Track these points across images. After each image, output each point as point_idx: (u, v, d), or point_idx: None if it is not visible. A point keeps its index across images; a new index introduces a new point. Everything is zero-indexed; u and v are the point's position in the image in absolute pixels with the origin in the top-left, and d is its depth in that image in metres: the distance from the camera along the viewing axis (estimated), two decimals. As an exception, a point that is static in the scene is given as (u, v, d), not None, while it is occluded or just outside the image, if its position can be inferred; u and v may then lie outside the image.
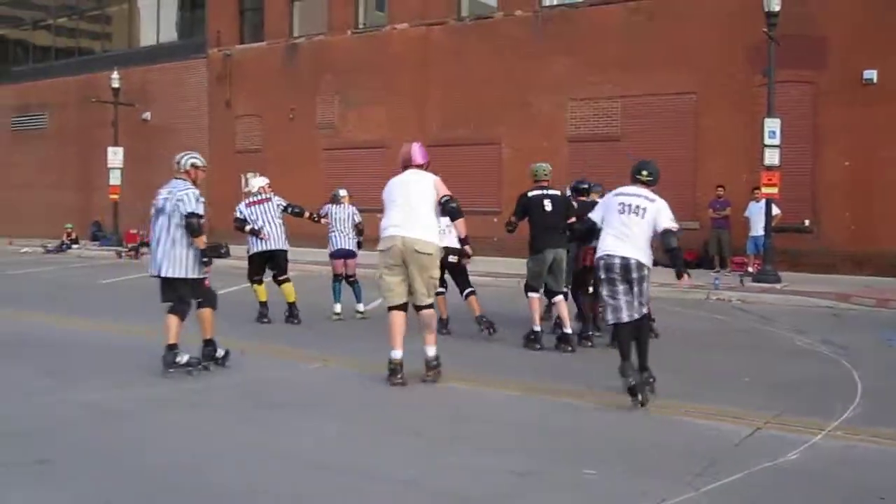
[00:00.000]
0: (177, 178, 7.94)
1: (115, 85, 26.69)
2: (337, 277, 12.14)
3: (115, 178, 26.45)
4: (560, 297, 9.47)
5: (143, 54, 30.29)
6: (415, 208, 7.61)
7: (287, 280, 11.60)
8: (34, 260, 23.41)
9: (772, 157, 15.65)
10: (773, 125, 15.61)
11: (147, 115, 29.34)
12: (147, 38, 31.07)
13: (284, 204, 11.66)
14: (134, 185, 27.40)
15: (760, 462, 5.26)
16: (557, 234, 9.34)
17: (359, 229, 12.32)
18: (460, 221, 7.82)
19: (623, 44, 19.82)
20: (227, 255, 17.54)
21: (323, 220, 12.19)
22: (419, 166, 8.07)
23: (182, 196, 7.69)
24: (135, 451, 5.55)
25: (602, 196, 9.76)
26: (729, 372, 8.34)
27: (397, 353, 7.43)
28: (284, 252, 11.62)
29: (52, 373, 7.98)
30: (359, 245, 12.35)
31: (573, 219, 9.34)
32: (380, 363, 7.98)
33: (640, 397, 6.65)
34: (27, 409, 6.63)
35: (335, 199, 12.31)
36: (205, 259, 7.82)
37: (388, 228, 7.63)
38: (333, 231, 12.12)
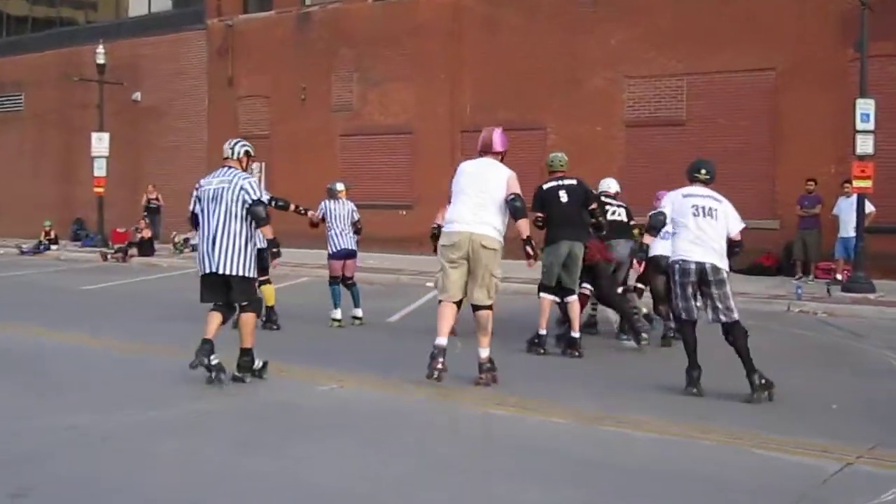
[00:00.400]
0: (227, 167, 8.49)
1: (101, 60, 27.02)
2: (335, 280, 12.33)
3: (99, 169, 26.76)
4: (574, 298, 10.23)
5: (133, 25, 30.67)
6: (485, 206, 8.38)
7: (268, 281, 11.88)
8: (7, 262, 23.77)
9: (865, 145, 15.53)
10: (866, 107, 15.49)
11: (137, 95, 29.69)
12: (137, 6, 31.47)
13: (268, 197, 11.69)
14: (122, 177, 27.82)
15: (851, 503, 5.24)
16: (575, 226, 10.17)
17: (356, 228, 12.50)
18: (523, 221, 8.38)
19: (689, 12, 19.77)
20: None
21: (310, 214, 12.51)
22: (497, 154, 8.90)
23: (244, 184, 8.25)
24: (126, 483, 5.65)
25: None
26: (813, 397, 8.30)
27: (442, 340, 8.23)
28: (263, 250, 11.84)
29: (36, 391, 8.14)
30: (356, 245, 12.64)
31: (594, 205, 10.44)
32: (402, 383, 8.13)
33: (695, 390, 8.01)
34: (6, 432, 6.77)
35: (332, 194, 12.47)
36: (274, 249, 8.55)
37: (455, 223, 8.42)
38: (331, 230, 12.31)
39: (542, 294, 10.25)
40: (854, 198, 16.07)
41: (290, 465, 5.97)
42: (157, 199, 26.23)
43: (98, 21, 32.41)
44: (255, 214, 8.16)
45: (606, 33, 20.81)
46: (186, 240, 24.97)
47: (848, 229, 16.43)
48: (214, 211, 8.20)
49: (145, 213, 25.38)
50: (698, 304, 8.07)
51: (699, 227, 7.99)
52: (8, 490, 5.42)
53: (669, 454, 6.34)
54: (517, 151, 21.73)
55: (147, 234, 24.35)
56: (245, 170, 8.50)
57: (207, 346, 8.04)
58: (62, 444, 6.45)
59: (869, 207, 16.00)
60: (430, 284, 16.88)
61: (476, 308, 8.40)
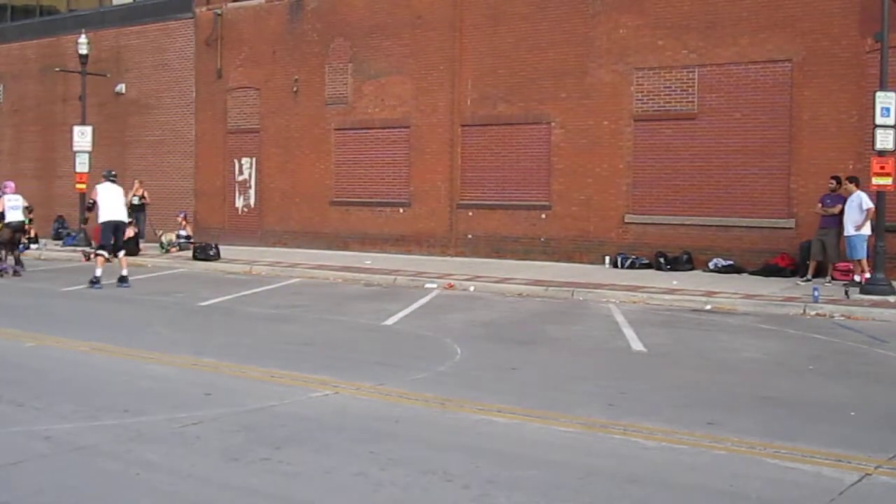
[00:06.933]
0: None
1: (84, 51, 26.99)
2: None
3: (82, 164, 26.73)
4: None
5: (117, 14, 30.64)
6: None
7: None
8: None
9: (884, 140, 15.51)
10: (886, 100, 15.48)
11: (121, 87, 29.68)
12: (121, -6, 31.46)
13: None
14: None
15: (869, 516, 5.24)
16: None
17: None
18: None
19: (701, 0, 19.77)
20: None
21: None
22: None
23: None
24: (109, 497, 5.64)
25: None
26: (830, 404, 8.30)
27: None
28: None
29: (13, 399, 8.12)
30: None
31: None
32: (398, 390, 8.15)
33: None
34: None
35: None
36: None
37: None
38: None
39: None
40: (855, 195, 16.17)
41: (283, 481, 5.96)
42: (142, 196, 26.24)
43: (80, 9, 32.36)
44: None
45: (614, 22, 20.78)
46: (177, 237, 24.99)
47: (848, 228, 16.47)
48: None
49: (130, 211, 25.33)
50: None
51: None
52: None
53: (681, 465, 6.32)
54: (519, 146, 21.93)
55: (131, 232, 24.30)
56: None
57: None
58: (42, 456, 6.44)
59: (866, 203, 16.01)
60: (431, 286, 16.91)
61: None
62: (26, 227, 21.21)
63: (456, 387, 8.63)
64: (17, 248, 20.61)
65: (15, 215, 20.01)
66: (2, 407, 7.87)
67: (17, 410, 7.75)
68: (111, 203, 17.93)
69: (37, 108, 32.17)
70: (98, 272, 17.26)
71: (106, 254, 17.84)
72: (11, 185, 20.65)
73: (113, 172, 18.88)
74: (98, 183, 18.87)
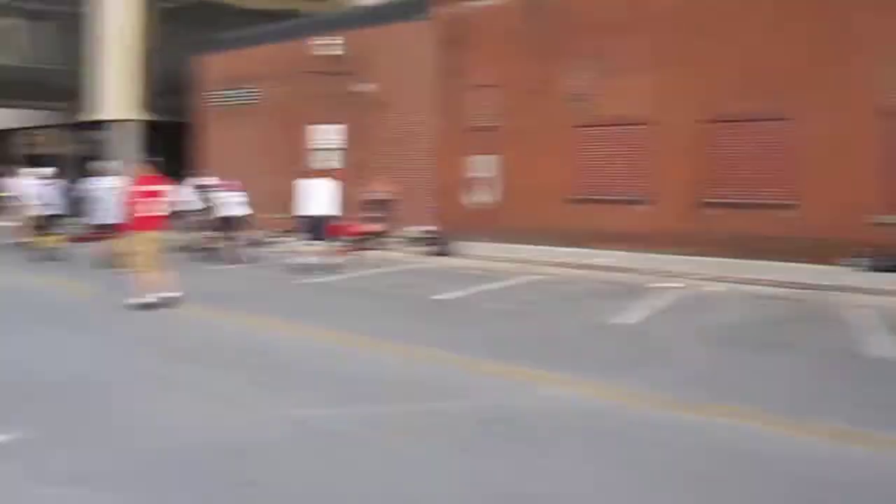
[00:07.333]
0: None
1: (328, 52, 28.07)
2: None
3: (326, 161, 27.82)
4: None
5: (358, 16, 31.79)
6: None
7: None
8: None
9: None
10: None
11: (363, 86, 30.69)
12: (363, -3, 32.66)
13: None
14: (350, 169, 28.85)
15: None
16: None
17: None
18: None
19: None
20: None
21: None
22: None
23: None
24: (350, 481, 5.91)
25: None
26: None
27: None
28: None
29: (263, 384, 8.66)
30: None
31: None
32: (635, 390, 8.17)
33: None
34: (239, 423, 7.32)
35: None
36: None
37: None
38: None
39: None
40: None
41: (521, 476, 6.09)
42: (386, 191, 27.04)
43: (323, 12, 33.72)
44: None
45: (864, 14, 19.73)
46: (417, 232, 25.58)
47: None
48: None
49: (370, 206, 26.15)
50: None
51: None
52: (243, 477, 5.91)
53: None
54: (761, 142, 21.22)
55: (376, 227, 25.07)
56: None
57: None
58: (289, 438, 6.84)
59: None
60: (670, 285, 16.63)
61: None
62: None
63: (697, 388, 8.48)
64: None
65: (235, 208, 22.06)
66: (252, 390, 8.36)
67: (267, 395, 8.28)
68: (315, 197, 19.64)
69: (287, 107, 33.75)
70: (312, 259, 19.42)
71: (317, 243, 19.33)
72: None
73: (326, 168, 20.31)
74: (301, 178, 20.45)
